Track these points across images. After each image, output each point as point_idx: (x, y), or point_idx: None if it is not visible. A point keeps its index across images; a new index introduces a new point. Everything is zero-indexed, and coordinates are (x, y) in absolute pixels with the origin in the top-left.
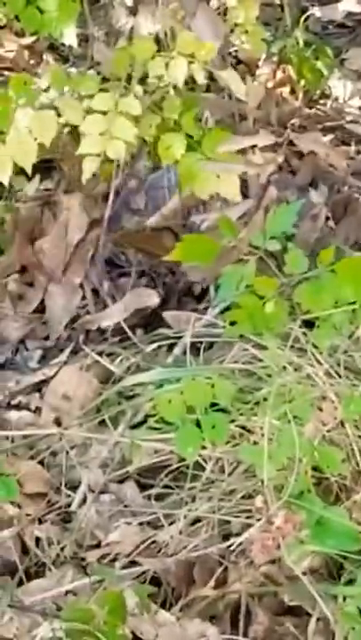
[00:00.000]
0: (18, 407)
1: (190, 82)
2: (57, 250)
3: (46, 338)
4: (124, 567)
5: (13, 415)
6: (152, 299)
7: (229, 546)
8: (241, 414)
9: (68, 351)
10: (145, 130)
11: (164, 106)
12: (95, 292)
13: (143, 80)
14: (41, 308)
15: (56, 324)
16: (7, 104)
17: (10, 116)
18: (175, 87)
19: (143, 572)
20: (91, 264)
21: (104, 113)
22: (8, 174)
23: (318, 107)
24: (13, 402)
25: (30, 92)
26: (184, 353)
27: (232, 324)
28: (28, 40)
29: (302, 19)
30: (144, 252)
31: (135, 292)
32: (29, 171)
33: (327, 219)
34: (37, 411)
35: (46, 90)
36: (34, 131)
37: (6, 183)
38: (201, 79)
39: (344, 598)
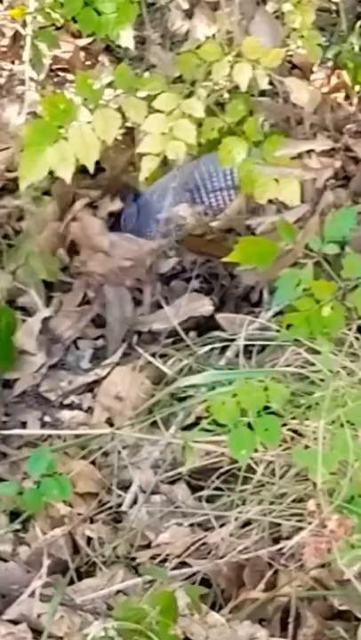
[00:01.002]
0: (70, 407)
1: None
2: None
3: (97, 338)
4: (174, 568)
5: (66, 415)
6: (205, 307)
7: (280, 549)
8: (293, 418)
9: (120, 352)
10: (207, 132)
11: (227, 109)
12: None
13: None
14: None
15: (115, 337)
16: (69, 102)
17: (73, 114)
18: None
19: (193, 574)
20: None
21: (166, 113)
22: (71, 171)
23: None
24: (66, 401)
25: (93, 91)
26: (237, 355)
27: (288, 327)
28: (84, 41)
29: (358, 24)
30: (203, 254)
31: (189, 297)
32: (91, 168)
33: None
34: (90, 411)
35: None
36: (96, 128)
37: (69, 180)
38: (264, 85)
39: None
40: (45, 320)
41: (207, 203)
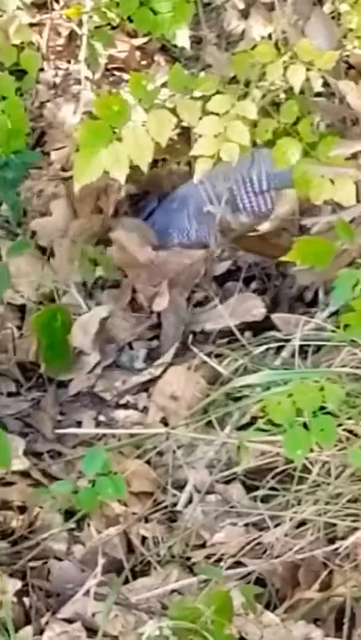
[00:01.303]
0: (125, 406)
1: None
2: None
3: (151, 339)
4: (229, 567)
5: (121, 414)
6: (259, 311)
7: (335, 549)
8: (348, 418)
9: (172, 351)
10: (261, 134)
11: (281, 111)
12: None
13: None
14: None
15: (169, 340)
16: (123, 103)
17: (127, 115)
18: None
19: (248, 573)
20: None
21: (220, 115)
22: (125, 172)
23: None
24: (121, 401)
25: (147, 91)
26: (292, 356)
27: (344, 327)
28: (140, 41)
29: None
30: (259, 254)
31: (242, 298)
32: (145, 169)
33: None
34: (144, 410)
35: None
36: (150, 130)
37: (122, 181)
38: (318, 87)
39: None
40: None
41: (247, 207)
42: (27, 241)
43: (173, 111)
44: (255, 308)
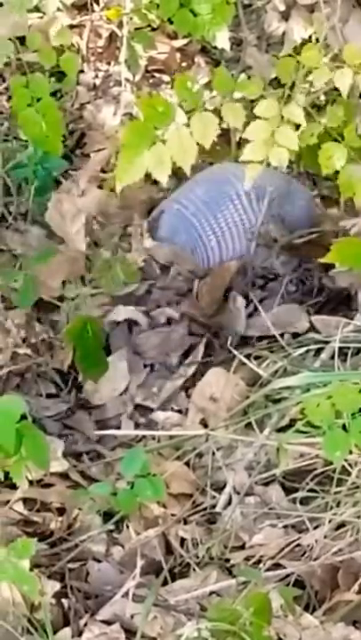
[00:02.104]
0: (164, 408)
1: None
2: None
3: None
4: (268, 569)
5: (160, 415)
6: (302, 324)
7: None
8: None
9: (201, 349)
10: (306, 138)
11: (327, 115)
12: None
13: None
14: None
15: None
16: (167, 104)
17: (171, 116)
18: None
19: (287, 575)
20: (241, 270)
21: (267, 119)
22: (167, 173)
23: None
24: (160, 403)
25: (193, 93)
26: (332, 358)
27: None
28: (180, 42)
29: None
30: (301, 255)
31: (288, 310)
32: (188, 171)
33: None
34: (184, 412)
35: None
36: (194, 132)
37: (165, 183)
38: None
39: None
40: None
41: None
42: (53, 248)
43: (216, 113)
44: (299, 322)
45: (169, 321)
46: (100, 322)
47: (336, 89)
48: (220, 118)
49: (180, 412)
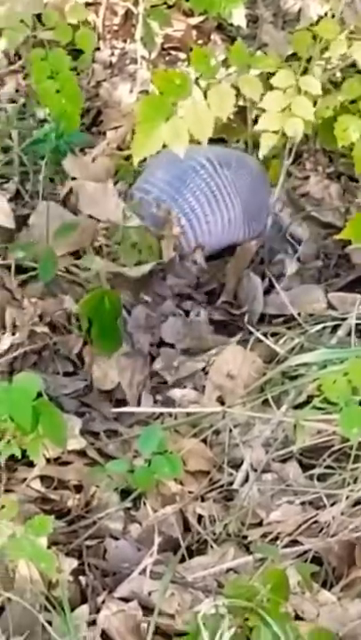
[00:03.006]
0: (182, 385)
1: None
2: None
3: None
4: (285, 546)
5: (177, 393)
6: (320, 305)
7: None
8: None
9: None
10: (322, 111)
11: (343, 87)
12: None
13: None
14: None
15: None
16: (184, 78)
17: (187, 90)
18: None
19: (305, 552)
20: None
21: (284, 90)
22: (184, 146)
23: None
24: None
25: (210, 66)
26: (348, 334)
27: None
28: (196, 20)
29: None
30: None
31: (306, 290)
32: (205, 144)
33: None
34: (201, 389)
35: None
36: (212, 105)
37: (182, 156)
38: None
39: None
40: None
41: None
42: (74, 223)
43: (234, 87)
44: (317, 302)
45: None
46: (118, 295)
47: (353, 65)
48: (237, 93)
49: (196, 389)
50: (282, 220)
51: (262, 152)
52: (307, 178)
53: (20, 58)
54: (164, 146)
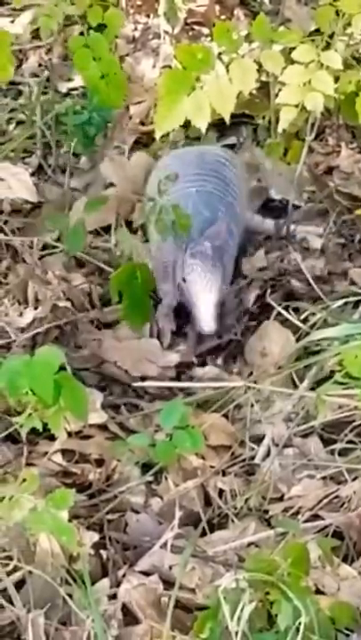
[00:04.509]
0: (204, 363)
1: None
2: None
3: None
4: (306, 520)
5: (199, 371)
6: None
7: None
8: None
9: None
10: (344, 86)
11: None
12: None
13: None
14: None
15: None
16: (207, 52)
17: (210, 64)
18: None
19: (325, 526)
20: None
21: (305, 65)
22: (207, 120)
23: None
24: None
25: (233, 40)
26: None
27: None
28: None
29: None
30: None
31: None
32: (228, 119)
33: None
34: (223, 366)
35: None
36: (234, 79)
37: (204, 130)
38: None
39: None
40: None
41: None
42: (103, 197)
43: (256, 62)
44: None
45: None
46: (149, 269)
47: None
48: (260, 68)
49: (218, 365)
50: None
51: (282, 126)
52: (329, 154)
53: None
54: (187, 123)
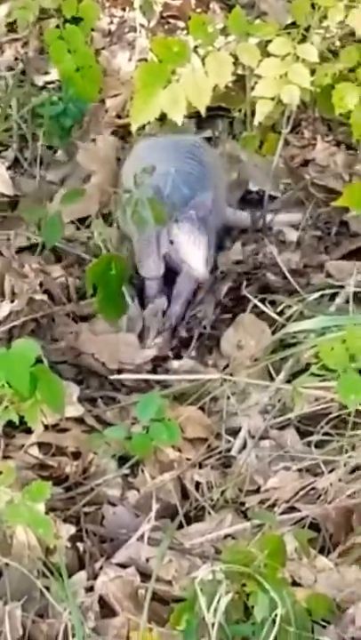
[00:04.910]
0: (180, 356)
1: None
2: None
3: None
4: (283, 512)
5: (174, 364)
6: (317, 275)
7: None
8: None
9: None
10: (320, 79)
11: (341, 55)
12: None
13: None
14: None
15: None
16: (183, 45)
17: (186, 57)
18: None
19: (302, 518)
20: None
21: (281, 58)
22: (182, 113)
23: None
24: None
25: (208, 33)
26: (347, 302)
27: None
28: None
29: None
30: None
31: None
32: (203, 111)
33: None
34: (198, 358)
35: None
36: (210, 72)
37: (180, 123)
38: None
39: None
40: None
41: None
42: (80, 189)
43: (232, 55)
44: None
45: None
46: (125, 261)
47: (352, 34)
48: (236, 61)
49: (194, 357)
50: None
51: (258, 118)
52: (305, 146)
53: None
54: (163, 116)
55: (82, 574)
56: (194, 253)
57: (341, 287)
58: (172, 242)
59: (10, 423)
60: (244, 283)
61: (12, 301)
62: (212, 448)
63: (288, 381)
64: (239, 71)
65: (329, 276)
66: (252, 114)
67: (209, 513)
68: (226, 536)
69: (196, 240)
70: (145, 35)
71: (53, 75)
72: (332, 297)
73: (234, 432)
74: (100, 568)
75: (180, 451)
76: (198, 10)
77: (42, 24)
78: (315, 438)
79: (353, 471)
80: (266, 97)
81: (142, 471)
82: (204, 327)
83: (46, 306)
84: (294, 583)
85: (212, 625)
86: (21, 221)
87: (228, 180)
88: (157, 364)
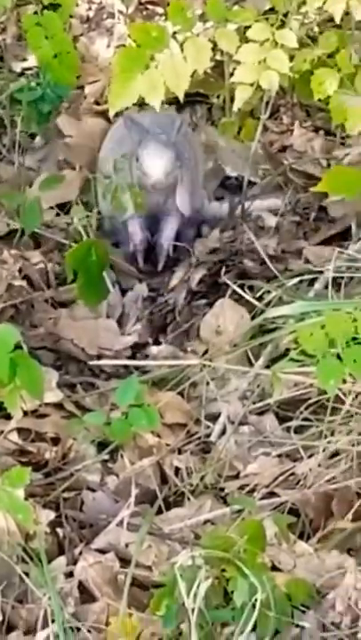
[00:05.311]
0: (158, 342)
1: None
2: None
3: None
4: (262, 498)
5: (153, 349)
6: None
7: None
8: None
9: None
10: (299, 64)
11: (320, 41)
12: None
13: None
14: None
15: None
16: (161, 30)
17: (164, 42)
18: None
19: (281, 503)
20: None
21: (260, 43)
22: (161, 98)
23: None
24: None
25: (187, 18)
26: (326, 287)
27: None
28: None
29: None
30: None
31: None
32: (182, 97)
33: None
34: (177, 343)
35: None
36: (188, 57)
37: (158, 108)
38: (359, 15)
39: None
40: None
41: None
42: (59, 175)
43: (211, 41)
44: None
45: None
46: (105, 246)
47: (330, 20)
48: (215, 47)
49: (172, 343)
50: None
51: (237, 104)
52: (284, 132)
53: None
54: (142, 102)
55: (61, 560)
56: (153, 162)
57: (320, 272)
58: (137, 159)
59: None
60: (223, 270)
61: None
62: (192, 434)
63: (267, 367)
64: (218, 57)
65: (308, 261)
66: (231, 100)
67: (188, 498)
68: (205, 521)
69: (158, 151)
70: (123, 21)
71: (31, 61)
72: (311, 282)
73: (213, 417)
74: (80, 553)
75: (159, 436)
76: None
77: (19, 10)
78: (294, 424)
79: (332, 456)
80: (245, 83)
81: (122, 457)
82: (178, 313)
83: (25, 292)
84: (274, 568)
85: (192, 610)
86: (0, 207)
87: (205, 167)
88: (136, 350)
